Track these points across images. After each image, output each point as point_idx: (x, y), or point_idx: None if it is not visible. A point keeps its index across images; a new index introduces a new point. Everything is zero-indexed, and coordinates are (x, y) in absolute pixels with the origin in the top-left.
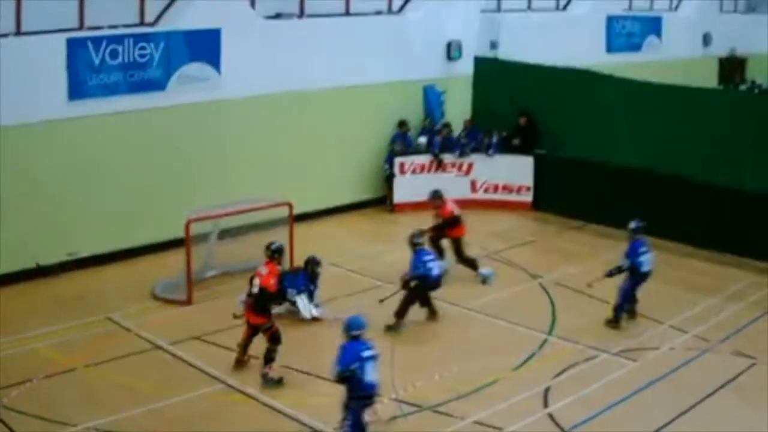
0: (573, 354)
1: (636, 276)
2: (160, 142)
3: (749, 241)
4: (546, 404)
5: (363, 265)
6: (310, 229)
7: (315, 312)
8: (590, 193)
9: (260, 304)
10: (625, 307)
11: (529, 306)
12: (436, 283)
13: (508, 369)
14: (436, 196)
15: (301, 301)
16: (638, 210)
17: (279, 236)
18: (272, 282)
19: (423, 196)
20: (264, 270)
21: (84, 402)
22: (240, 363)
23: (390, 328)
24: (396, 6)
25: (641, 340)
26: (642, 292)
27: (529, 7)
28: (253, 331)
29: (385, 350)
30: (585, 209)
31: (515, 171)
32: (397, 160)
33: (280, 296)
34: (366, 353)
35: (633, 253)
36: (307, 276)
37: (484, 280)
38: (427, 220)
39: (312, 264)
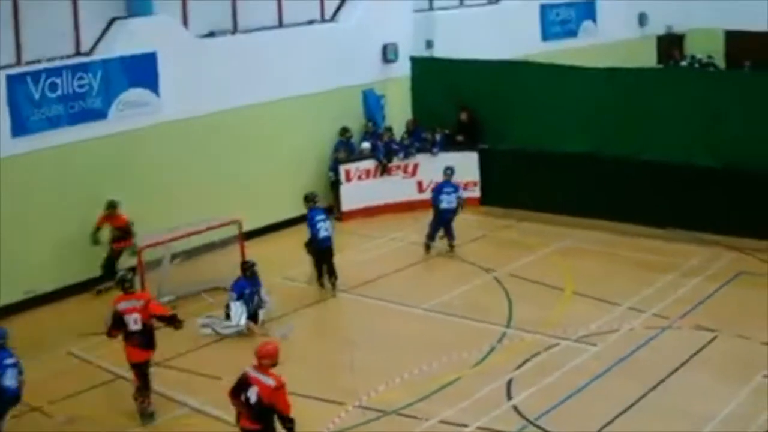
0: (533, 344)
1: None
2: (105, 170)
3: (701, 216)
4: (510, 396)
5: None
6: (260, 245)
7: (243, 321)
8: (537, 183)
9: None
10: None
11: (485, 300)
12: (322, 243)
13: (470, 365)
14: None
15: (235, 307)
16: (586, 194)
17: (231, 255)
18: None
19: (370, 201)
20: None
21: None
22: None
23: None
24: (328, 13)
25: (600, 324)
26: (596, 275)
27: (461, 2)
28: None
29: (344, 356)
30: (533, 199)
31: (461, 167)
32: (343, 168)
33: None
34: (7, 360)
35: None
36: (247, 280)
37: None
38: (375, 226)
39: (248, 267)
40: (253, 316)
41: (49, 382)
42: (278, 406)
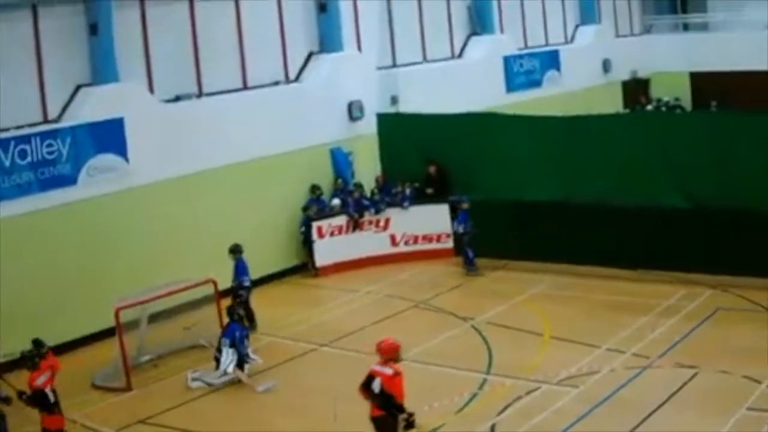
0: (514, 389)
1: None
2: (77, 235)
3: (673, 256)
4: None
5: (296, 331)
6: None
7: (230, 369)
8: (509, 231)
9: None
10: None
11: (463, 349)
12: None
13: (452, 412)
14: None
15: (226, 354)
16: (558, 241)
17: (207, 313)
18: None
19: (345, 256)
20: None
21: None
22: None
23: None
24: (292, 74)
25: (580, 366)
26: (572, 319)
27: (424, 58)
28: None
29: (329, 408)
30: (506, 248)
31: (432, 220)
32: (315, 225)
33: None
34: None
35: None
36: (236, 323)
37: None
38: (351, 280)
39: (232, 310)
40: (239, 365)
41: None
42: (394, 392)
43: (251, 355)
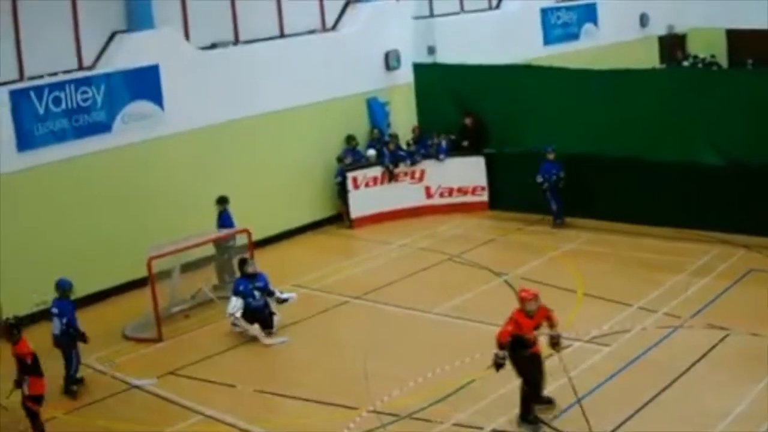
0: (546, 346)
1: None
2: (111, 183)
3: (709, 215)
4: None
5: (328, 283)
6: (271, 253)
7: (238, 314)
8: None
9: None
10: None
11: (496, 304)
12: None
13: (483, 368)
14: None
15: (233, 300)
16: (593, 196)
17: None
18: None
19: (380, 208)
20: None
21: None
22: None
23: None
24: (329, 22)
25: (612, 325)
26: (605, 277)
27: (462, 8)
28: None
29: (357, 362)
30: (539, 202)
31: (468, 172)
32: (350, 175)
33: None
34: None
35: None
36: (244, 277)
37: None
38: (385, 232)
39: (242, 264)
40: (266, 322)
41: None
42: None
43: (280, 296)
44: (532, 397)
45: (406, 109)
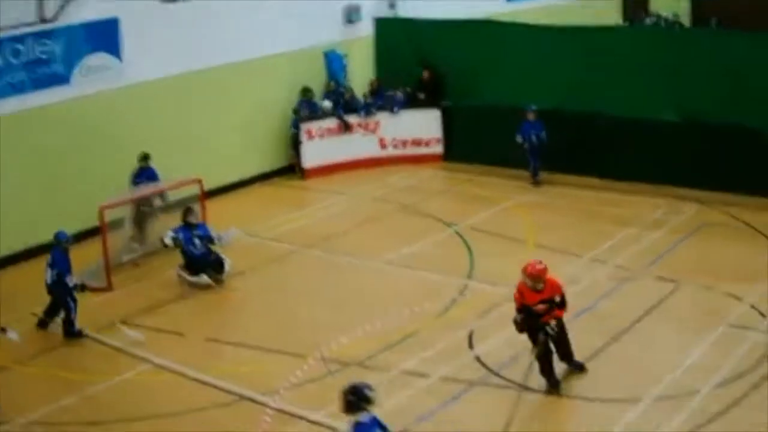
0: (494, 296)
1: None
2: (69, 134)
3: (664, 170)
4: (472, 347)
5: (279, 232)
6: (223, 203)
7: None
8: (499, 138)
9: None
10: None
11: (446, 254)
12: None
13: (431, 316)
14: None
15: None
16: (549, 150)
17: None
18: None
19: (333, 159)
20: None
21: (19, 397)
22: None
23: None
24: None
25: (562, 276)
26: (557, 228)
27: None
28: None
29: (306, 310)
30: (495, 155)
31: (423, 125)
32: (304, 126)
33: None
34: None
35: None
36: (184, 226)
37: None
38: (338, 182)
39: (184, 212)
40: (216, 268)
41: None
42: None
43: (221, 235)
44: (541, 369)
45: (365, 62)
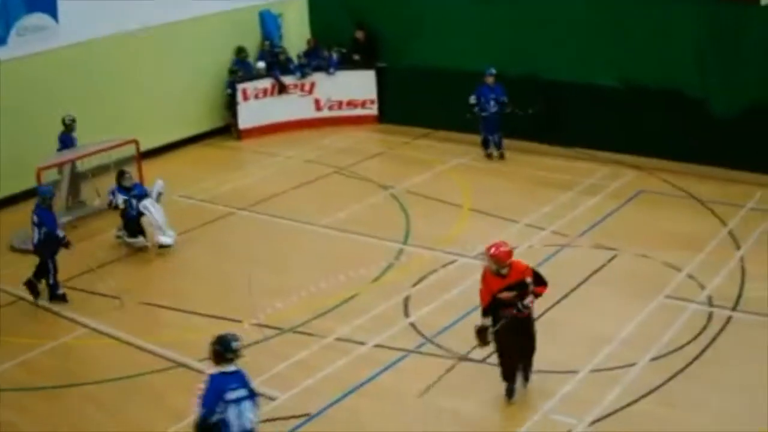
0: (430, 261)
1: None
2: (5, 95)
3: (602, 135)
4: (407, 314)
5: (215, 194)
6: (158, 164)
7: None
8: (435, 100)
9: None
10: None
11: (382, 217)
12: None
13: (367, 282)
14: None
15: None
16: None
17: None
18: None
19: (268, 120)
20: None
21: None
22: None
23: None
24: None
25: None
26: (493, 193)
27: None
28: None
29: (242, 274)
30: (430, 117)
31: (358, 86)
32: (240, 87)
33: None
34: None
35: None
36: (120, 188)
37: None
38: (273, 144)
39: (118, 175)
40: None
41: None
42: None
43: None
44: (502, 370)
45: (300, 22)
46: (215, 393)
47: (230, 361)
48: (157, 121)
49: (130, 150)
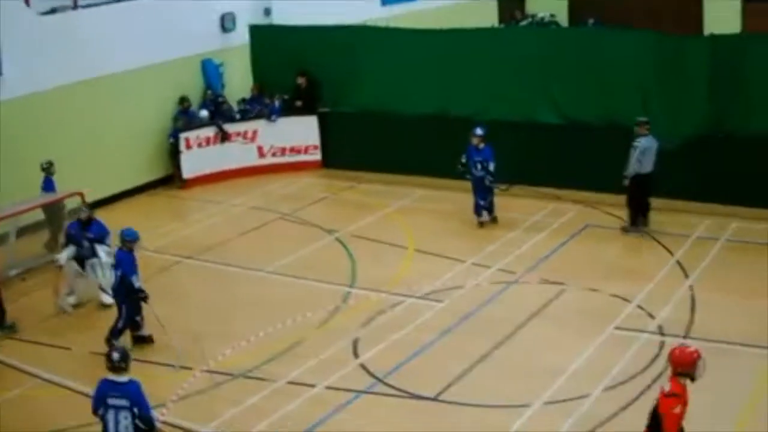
0: (378, 303)
1: None
2: None
3: (544, 172)
4: (357, 355)
5: (161, 243)
6: (104, 215)
7: (63, 260)
8: (378, 144)
9: None
10: None
11: (328, 261)
12: None
13: (315, 325)
14: None
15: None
16: (427, 154)
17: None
18: None
19: (212, 168)
20: None
21: None
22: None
23: None
24: None
25: (445, 281)
26: (438, 233)
27: None
28: None
29: (190, 322)
30: (374, 161)
31: (300, 132)
32: (182, 136)
33: None
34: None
35: None
36: (78, 224)
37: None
38: (217, 192)
39: (79, 212)
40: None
41: None
42: (664, 420)
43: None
44: None
45: (243, 70)
46: (98, 394)
47: (118, 371)
48: (101, 172)
49: (76, 202)
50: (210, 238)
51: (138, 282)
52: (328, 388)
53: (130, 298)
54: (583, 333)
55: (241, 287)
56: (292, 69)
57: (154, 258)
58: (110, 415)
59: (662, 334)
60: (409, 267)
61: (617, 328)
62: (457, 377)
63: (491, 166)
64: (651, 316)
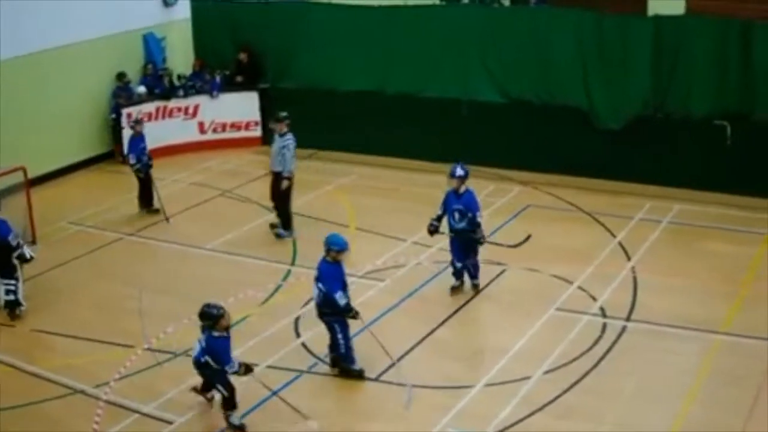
0: None
1: None
2: None
3: (486, 150)
4: (298, 334)
5: (102, 220)
6: (45, 191)
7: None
8: (319, 121)
9: None
10: None
11: (268, 239)
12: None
13: (256, 304)
14: None
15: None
16: (369, 132)
17: (17, 202)
18: None
19: (153, 144)
20: None
21: None
22: None
23: None
24: None
25: (386, 260)
26: (379, 212)
27: None
28: None
29: (131, 299)
30: (314, 138)
31: (241, 108)
32: (124, 111)
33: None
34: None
35: None
36: None
37: None
38: (158, 168)
39: None
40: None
41: None
42: None
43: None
44: None
45: (185, 45)
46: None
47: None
48: (42, 148)
49: (18, 177)
50: (151, 214)
51: (344, 299)
52: (270, 367)
53: (337, 318)
54: (525, 314)
55: (183, 264)
56: (233, 44)
57: (97, 234)
58: None
59: (604, 315)
60: (350, 245)
61: (558, 309)
62: (399, 357)
63: (478, 217)
64: (593, 297)
